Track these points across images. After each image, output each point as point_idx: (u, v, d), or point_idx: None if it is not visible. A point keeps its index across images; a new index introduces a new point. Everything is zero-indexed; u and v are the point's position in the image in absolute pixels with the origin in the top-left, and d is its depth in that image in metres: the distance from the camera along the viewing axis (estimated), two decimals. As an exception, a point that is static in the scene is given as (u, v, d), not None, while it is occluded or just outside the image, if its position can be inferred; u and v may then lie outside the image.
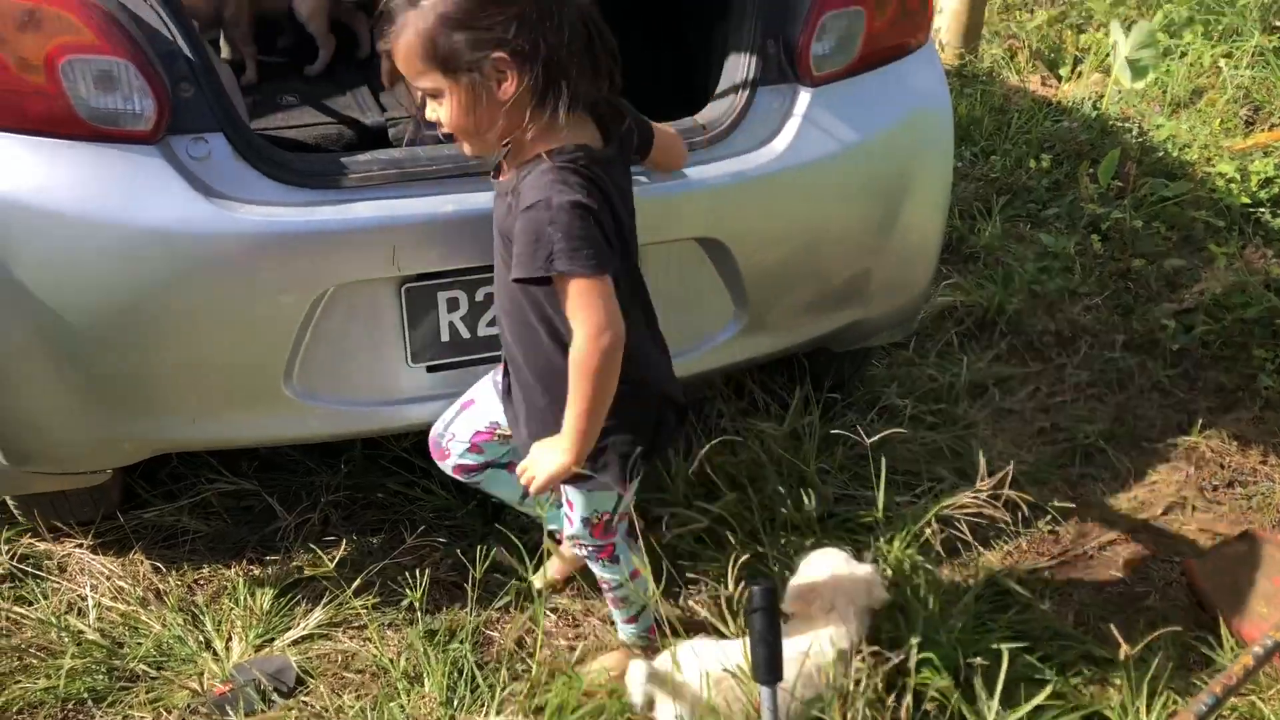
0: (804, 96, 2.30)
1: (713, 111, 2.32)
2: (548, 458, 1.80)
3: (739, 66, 2.31)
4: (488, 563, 2.24)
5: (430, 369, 2.22)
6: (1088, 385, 3.13)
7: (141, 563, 2.41)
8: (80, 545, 2.44)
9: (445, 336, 2.20)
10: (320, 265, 2.05)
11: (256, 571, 2.39)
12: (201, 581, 2.39)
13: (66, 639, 2.19)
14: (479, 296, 2.19)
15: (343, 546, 2.45)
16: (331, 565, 2.36)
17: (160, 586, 2.36)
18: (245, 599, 2.30)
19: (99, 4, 1.90)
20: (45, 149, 1.90)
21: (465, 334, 2.21)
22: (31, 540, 2.45)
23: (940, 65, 2.54)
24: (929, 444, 2.79)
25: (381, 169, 2.10)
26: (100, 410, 2.08)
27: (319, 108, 2.86)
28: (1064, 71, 5.13)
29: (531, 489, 1.82)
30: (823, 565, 2.07)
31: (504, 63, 1.65)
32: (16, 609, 2.28)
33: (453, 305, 2.19)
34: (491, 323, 2.22)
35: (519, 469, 1.87)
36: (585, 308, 1.69)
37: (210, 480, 2.58)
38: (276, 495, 2.56)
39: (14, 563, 2.38)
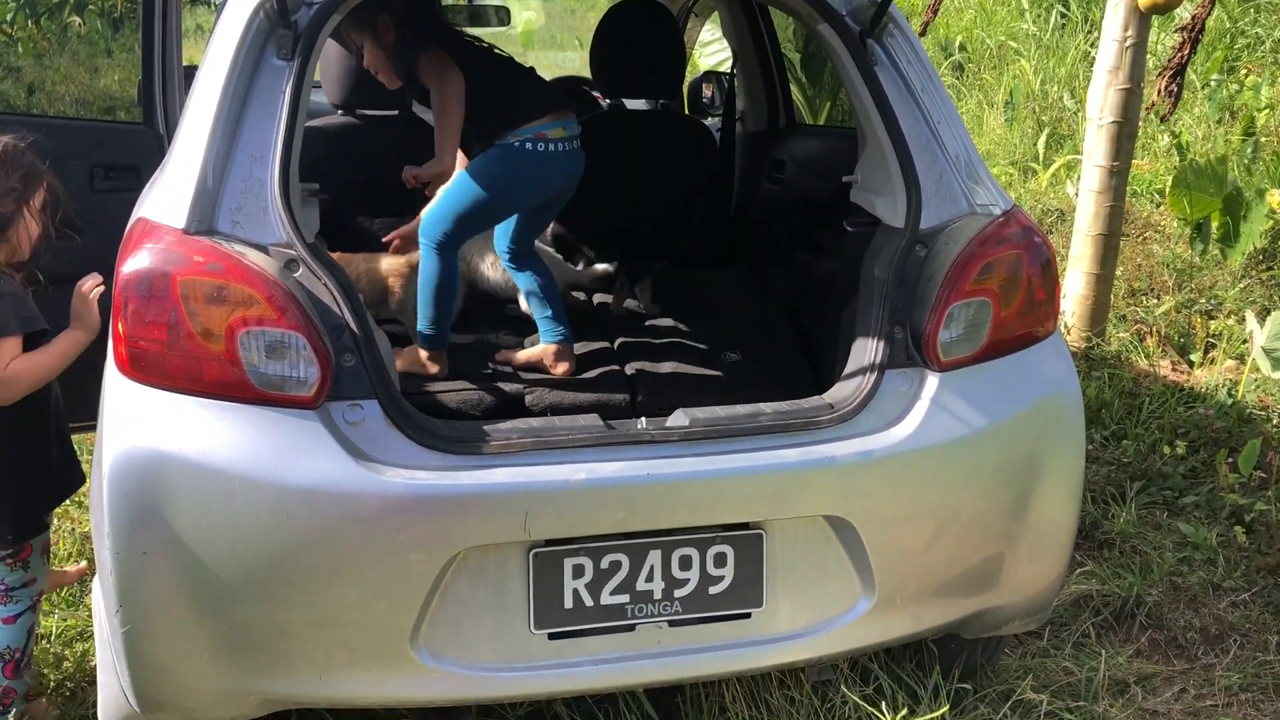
0: (932, 381, 2.35)
1: (841, 391, 2.38)
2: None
3: (866, 350, 2.38)
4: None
5: (551, 636, 2.23)
6: (1240, 690, 2.93)
7: (251, 821, 2.38)
8: (194, 798, 2.42)
9: (568, 603, 2.22)
10: (456, 528, 2.11)
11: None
12: (307, 846, 2.35)
13: None
14: (604, 564, 2.22)
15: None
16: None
17: None
18: None
19: (280, 281, 2.09)
20: (215, 410, 2.05)
21: (588, 601, 2.23)
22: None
23: (1068, 353, 2.57)
24: (1068, 744, 2.62)
25: (521, 437, 2.19)
26: (233, 661, 2.13)
27: (462, 374, 3.02)
28: (1195, 357, 5.09)
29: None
30: None
31: None
32: None
33: (578, 572, 2.21)
34: (614, 591, 2.23)
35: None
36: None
37: (325, 738, 2.57)
38: (389, 758, 2.54)
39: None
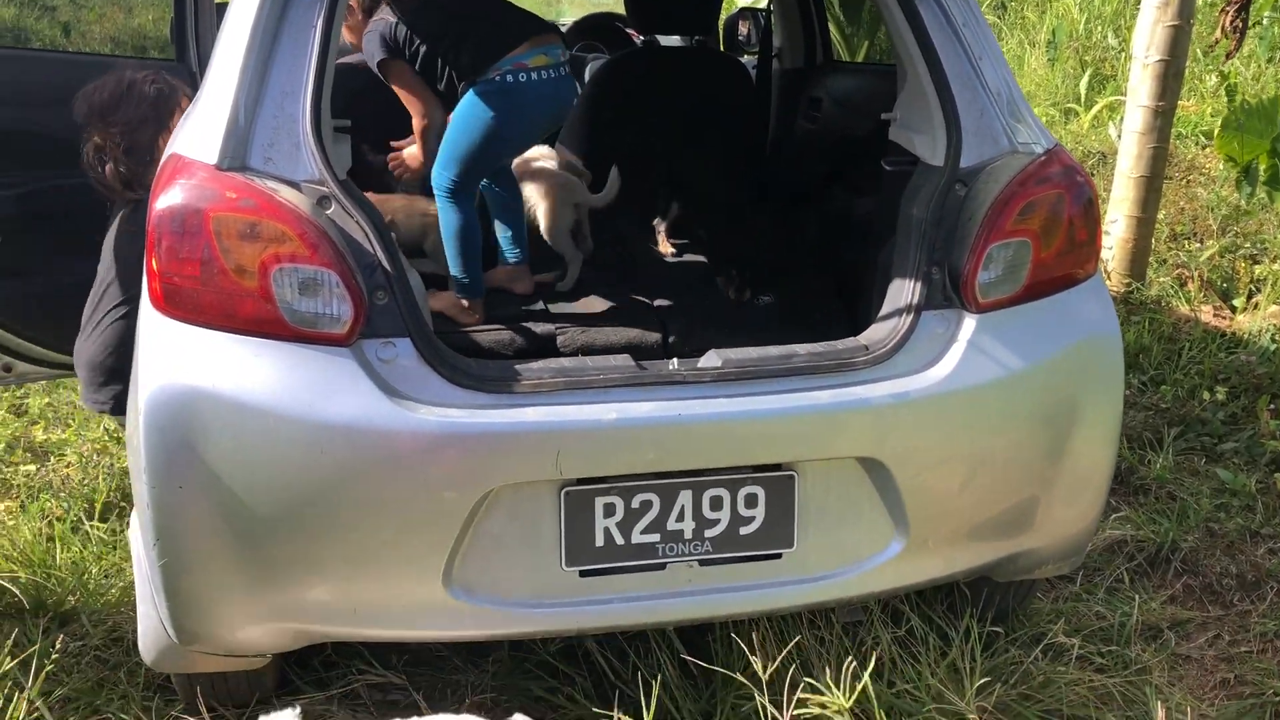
0: (969, 322, 2.32)
1: (876, 333, 2.35)
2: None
3: (903, 291, 2.35)
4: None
5: (583, 574, 2.24)
6: (1276, 636, 2.91)
7: (288, 750, 2.43)
8: (232, 728, 2.48)
9: (599, 541, 2.22)
10: (488, 466, 2.12)
11: (397, 770, 2.37)
12: (344, 775, 2.39)
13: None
14: (635, 503, 2.22)
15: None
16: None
17: (303, 777, 2.36)
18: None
19: (313, 219, 2.08)
20: (249, 346, 2.06)
21: (619, 540, 2.23)
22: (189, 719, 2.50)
23: (1108, 295, 2.52)
24: (1098, 688, 2.61)
25: (552, 376, 2.19)
26: (268, 596, 2.15)
27: (494, 315, 3.01)
28: (1238, 302, 5.00)
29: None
30: None
31: None
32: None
33: (609, 511, 2.22)
34: (645, 530, 2.24)
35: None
36: None
37: (360, 671, 2.61)
38: (423, 692, 2.57)
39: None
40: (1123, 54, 7.83)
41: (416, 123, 3.07)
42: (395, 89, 3.03)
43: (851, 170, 3.35)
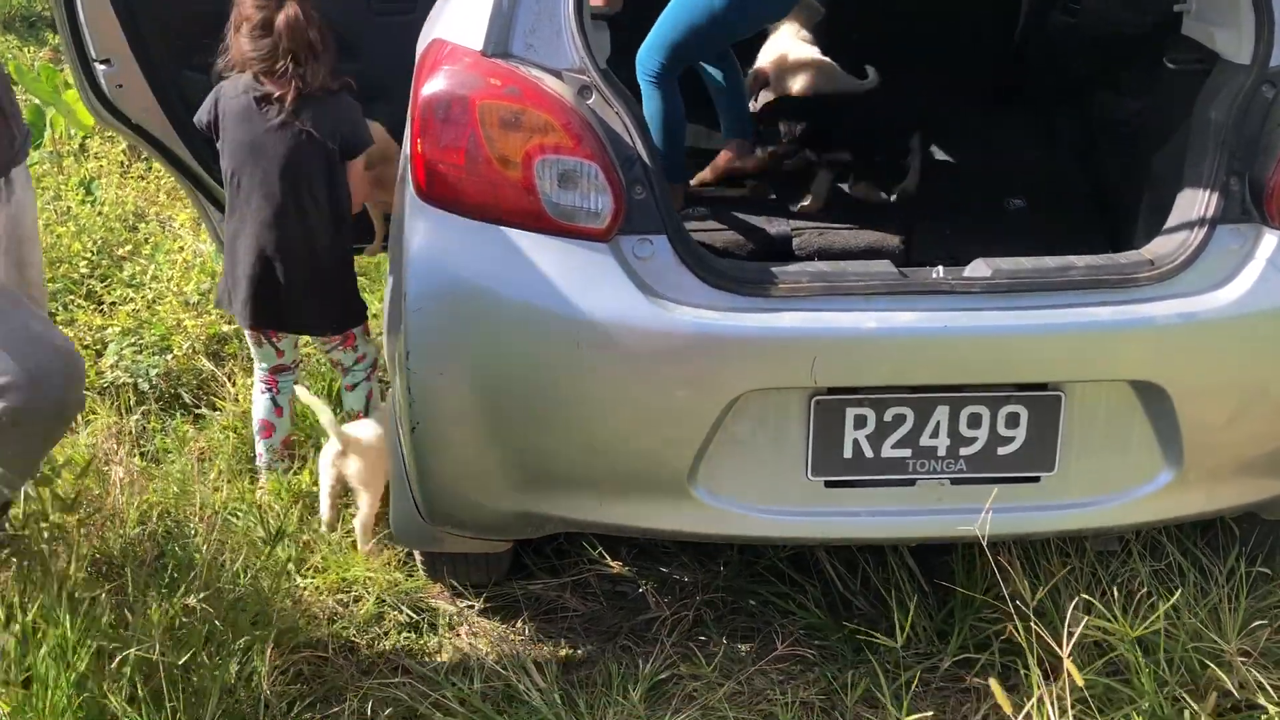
0: (1269, 239, 2.11)
1: (1162, 246, 2.17)
2: None
3: (1195, 202, 2.16)
4: (858, 695, 2.15)
5: (828, 484, 2.19)
6: None
7: (523, 632, 2.51)
8: (471, 606, 2.57)
9: (848, 453, 2.16)
10: (740, 369, 2.08)
11: (628, 660, 2.41)
12: (576, 663, 2.45)
13: (451, 698, 2.28)
14: (887, 417, 2.14)
15: (713, 649, 2.43)
16: (709, 668, 2.33)
17: (538, 659, 2.42)
18: (618, 689, 2.31)
19: (576, 109, 2.04)
20: (510, 237, 2.05)
21: (868, 453, 2.16)
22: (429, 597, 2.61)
23: None
24: (1375, 639, 2.41)
25: (810, 280, 2.11)
26: (518, 482, 2.19)
27: (727, 217, 2.93)
28: None
29: None
30: None
31: None
32: (409, 660, 2.42)
33: (860, 422, 2.14)
34: (896, 445, 2.16)
35: None
36: None
37: (591, 562, 2.66)
38: (651, 585, 2.60)
39: (414, 613, 2.55)
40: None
41: None
42: None
43: (1118, 70, 3.09)
